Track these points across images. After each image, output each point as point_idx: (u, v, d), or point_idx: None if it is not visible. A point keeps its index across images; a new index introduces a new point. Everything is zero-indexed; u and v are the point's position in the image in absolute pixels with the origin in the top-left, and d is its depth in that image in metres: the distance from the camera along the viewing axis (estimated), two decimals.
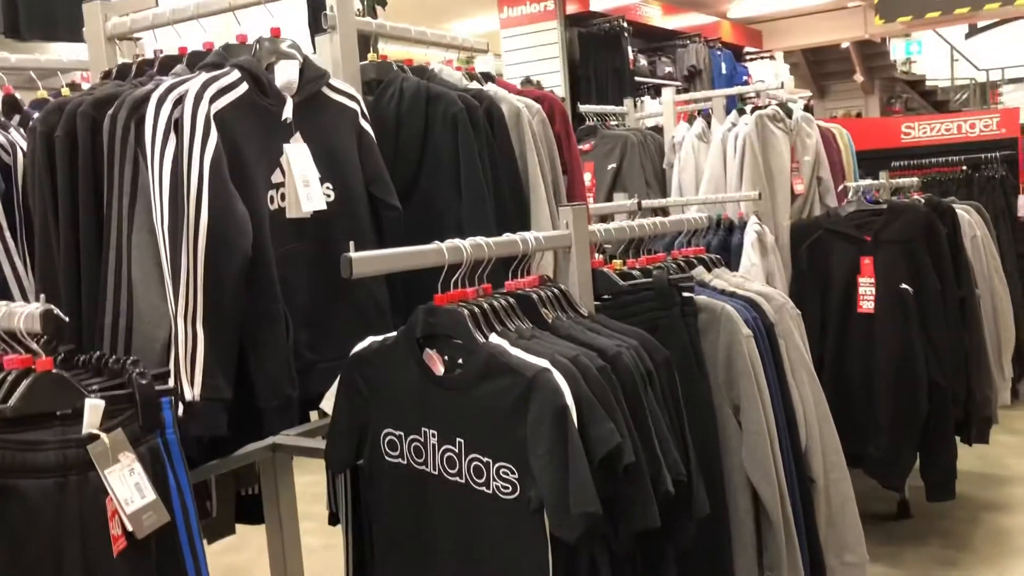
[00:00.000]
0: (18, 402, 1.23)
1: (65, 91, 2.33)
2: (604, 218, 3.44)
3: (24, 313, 1.28)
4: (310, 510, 2.56)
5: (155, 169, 1.63)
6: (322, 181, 1.85)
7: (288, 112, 1.81)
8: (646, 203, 3.08)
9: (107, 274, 1.70)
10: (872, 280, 3.52)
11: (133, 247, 1.68)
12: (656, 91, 7.57)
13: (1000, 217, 5.10)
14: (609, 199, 4.13)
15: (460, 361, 1.53)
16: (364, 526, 2.92)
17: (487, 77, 2.48)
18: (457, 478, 1.51)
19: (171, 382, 1.52)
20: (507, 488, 1.44)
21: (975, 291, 3.82)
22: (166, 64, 1.97)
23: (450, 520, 1.53)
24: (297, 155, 1.79)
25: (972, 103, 14.32)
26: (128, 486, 1.28)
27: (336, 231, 1.88)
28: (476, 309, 1.54)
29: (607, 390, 1.44)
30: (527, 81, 4.18)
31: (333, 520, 3.11)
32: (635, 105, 5.20)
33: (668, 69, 8.85)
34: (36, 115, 2.17)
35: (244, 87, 1.76)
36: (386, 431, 1.62)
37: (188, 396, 1.58)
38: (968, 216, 4.04)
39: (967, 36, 14.20)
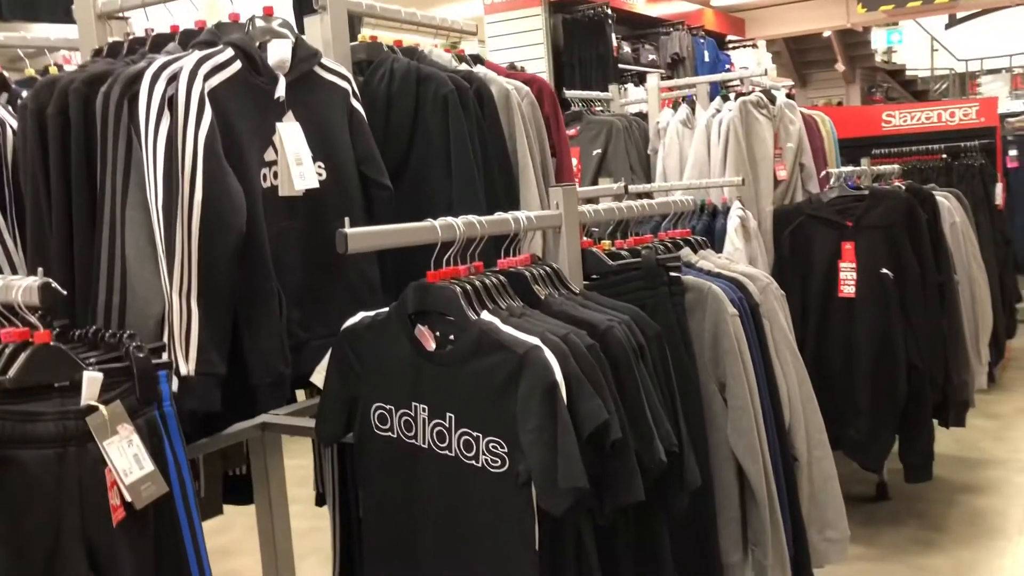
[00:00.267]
0: (17, 373, 1.24)
1: (53, 70, 2.33)
2: (590, 201, 3.46)
3: (22, 286, 1.29)
4: (296, 493, 2.58)
5: (149, 146, 1.64)
6: (314, 160, 1.86)
7: (281, 91, 1.82)
8: (632, 188, 3.10)
9: (100, 251, 1.70)
10: (853, 265, 3.57)
11: (127, 224, 1.69)
12: (640, 78, 7.59)
13: (979, 205, 5.17)
14: (594, 184, 4.16)
15: (452, 337, 1.56)
16: (351, 507, 2.95)
17: (476, 59, 2.49)
18: (447, 452, 1.54)
19: (166, 356, 1.53)
20: (496, 462, 1.47)
21: (954, 277, 3.88)
22: (158, 42, 1.97)
23: (439, 493, 1.56)
24: (290, 133, 1.80)
25: (951, 93, 14.45)
26: (127, 457, 1.30)
27: (327, 210, 1.90)
28: (468, 287, 1.56)
29: (596, 368, 1.46)
30: (511, 67, 4.19)
31: (320, 501, 3.13)
32: (620, 91, 5.23)
33: (652, 56, 8.86)
34: (25, 93, 2.17)
35: (238, 65, 1.77)
36: (377, 405, 1.64)
37: (183, 371, 1.60)
38: (948, 203, 4.10)
39: (947, 26, 14.31)
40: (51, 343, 1.30)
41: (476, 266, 1.63)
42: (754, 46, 11.37)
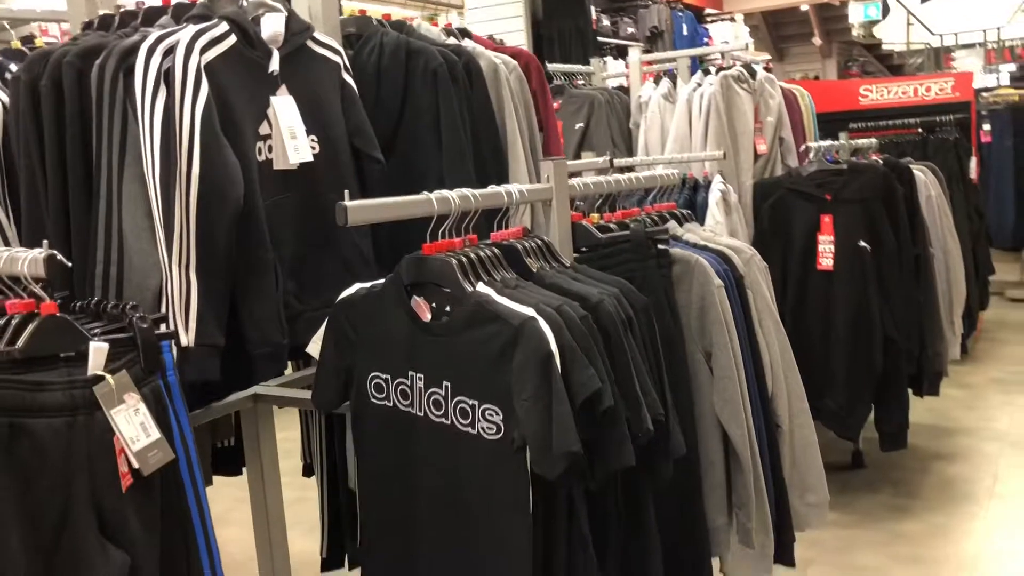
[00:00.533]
0: (26, 344, 1.27)
1: (39, 42, 2.32)
2: (573, 175, 3.49)
3: (27, 258, 1.31)
4: (281, 465, 2.61)
5: (145, 119, 1.65)
6: (307, 133, 1.88)
7: (275, 64, 1.84)
8: (617, 162, 3.13)
9: (97, 224, 1.72)
10: (832, 238, 3.62)
11: (123, 197, 1.70)
12: (619, 51, 7.60)
13: (953, 179, 5.24)
14: (577, 158, 4.18)
15: (447, 309, 1.59)
16: (339, 477, 2.98)
17: (464, 33, 2.51)
18: (443, 419, 1.58)
19: (167, 327, 1.55)
20: (491, 429, 1.51)
21: (929, 249, 3.95)
22: (150, 16, 1.98)
23: (435, 460, 1.60)
24: (284, 107, 1.82)
25: (927, 67, 14.54)
26: (133, 425, 1.32)
27: (321, 183, 1.92)
28: (464, 259, 1.59)
29: (589, 338, 1.51)
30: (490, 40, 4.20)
31: (307, 472, 3.17)
32: (601, 65, 5.24)
33: (630, 30, 8.86)
34: (12, 65, 2.17)
35: (232, 39, 1.78)
36: (373, 375, 1.67)
37: (183, 342, 1.62)
38: (924, 176, 4.16)
39: (923, 0, 14.36)
40: (57, 314, 1.32)
41: (470, 238, 1.67)
42: (732, 20, 11.39)
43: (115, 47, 1.73)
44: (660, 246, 1.92)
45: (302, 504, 3.02)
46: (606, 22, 8.59)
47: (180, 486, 1.42)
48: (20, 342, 1.27)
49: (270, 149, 1.83)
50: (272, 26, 1.84)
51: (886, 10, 14.63)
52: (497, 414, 1.49)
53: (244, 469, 2.61)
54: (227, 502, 3.60)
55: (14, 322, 1.32)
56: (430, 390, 1.59)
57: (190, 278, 1.63)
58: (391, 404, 1.65)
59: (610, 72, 5.46)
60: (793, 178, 3.76)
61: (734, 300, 2.00)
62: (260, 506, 2.46)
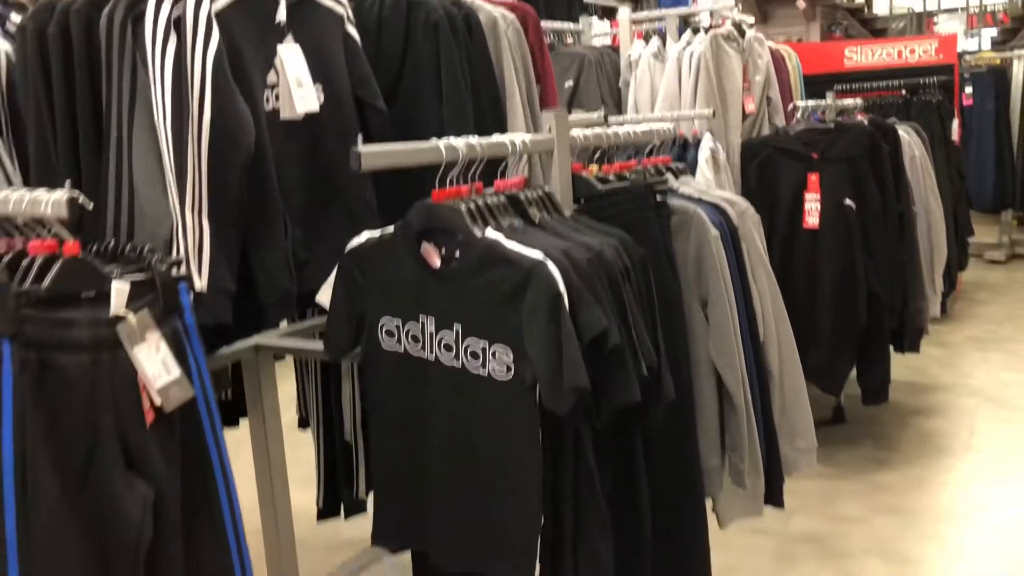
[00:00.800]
0: (51, 283, 1.30)
1: None
2: None
3: (51, 199, 1.33)
4: None
5: (156, 68, 1.67)
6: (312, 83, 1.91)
7: (282, 14, 1.85)
8: (611, 119, 3.16)
9: (108, 172, 1.74)
10: (818, 196, 3.68)
11: (134, 145, 1.72)
12: (604, 11, 7.56)
13: (935, 140, 5.30)
14: None
15: (457, 254, 1.63)
16: (335, 429, 3.03)
17: None
18: (454, 362, 1.62)
19: (182, 270, 1.59)
20: (502, 369, 1.56)
21: (912, 208, 4.02)
22: None
23: (447, 401, 1.65)
24: (291, 57, 1.84)
25: (909, 31, 14.59)
26: (155, 363, 1.36)
27: (325, 133, 1.95)
28: (472, 205, 1.63)
29: (595, 280, 1.55)
30: None
31: (303, 424, 3.21)
32: (588, 24, 5.23)
33: None
34: (14, 15, 2.17)
35: None
36: (383, 320, 1.71)
37: (196, 286, 1.65)
38: (908, 137, 4.22)
39: None
40: (80, 255, 1.35)
41: (477, 187, 1.70)
42: None
43: None
44: (660, 197, 1.96)
45: (296, 457, 3.06)
46: None
47: (199, 424, 1.46)
48: (46, 281, 1.30)
49: (277, 98, 1.85)
50: None
51: None
52: (508, 354, 1.54)
53: (241, 421, 2.66)
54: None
55: (37, 263, 1.35)
56: (441, 333, 1.63)
57: (202, 224, 1.66)
58: (402, 349, 1.69)
59: (596, 31, 5.46)
60: (780, 137, 3.81)
61: (729, 251, 2.06)
62: (262, 455, 2.50)
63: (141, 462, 1.35)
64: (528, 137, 1.84)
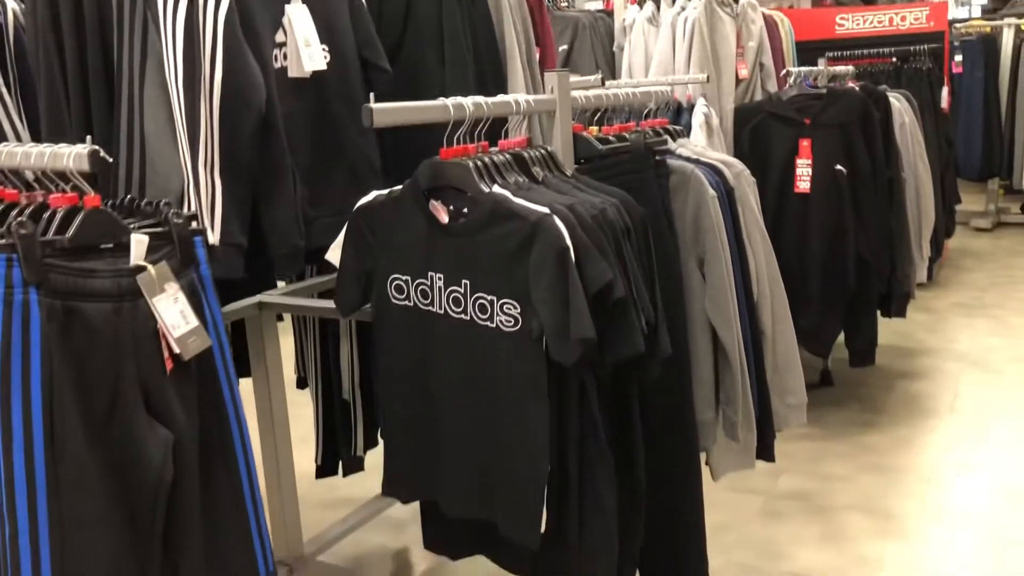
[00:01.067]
0: (75, 233, 1.34)
1: None
2: None
3: (72, 153, 1.37)
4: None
5: (168, 25, 1.69)
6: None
7: None
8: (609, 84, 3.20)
9: (119, 128, 1.77)
10: (809, 161, 3.73)
11: (145, 102, 1.75)
12: None
13: (925, 107, 5.34)
14: None
15: (465, 210, 1.67)
16: (333, 388, 3.07)
17: None
18: (462, 316, 1.67)
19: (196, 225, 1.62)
20: (510, 322, 1.61)
21: (901, 174, 4.08)
22: None
23: (456, 354, 1.69)
24: (298, 16, 1.87)
25: None
26: (174, 313, 1.41)
27: (331, 92, 1.98)
28: (479, 163, 1.67)
29: (600, 235, 1.60)
30: None
31: (301, 384, 3.26)
32: None
33: None
34: None
35: None
36: (393, 277, 1.76)
37: (209, 240, 1.69)
38: (899, 103, 4.27)
39: None
40: (101, 207, 1.39)
41: (482, 145, 1.74)
42: None
43: None
44: (659, 157, 2.00)
45: (294, 416, 3.11)
46: None
47: (214, 373, 1.50)
48: (69, 232, 1.34)
49: (285, 57, 1.88)
50: None
51: None
52: (515, 307, 1.59)
53: (240, 380, 2.70)
54: None
55: (58, 215, 1.39)
56: (450, 288, 1.67)
57: (215, 180, 1.70)
58: (411, 304, 1.74)
59: None
60: (773, 102, 3.84)
61: (725, 211, 2.10)
62: (265, 411, 2.56)
63: (161, 408, 1.40)
64: (532, 97, 1.88)
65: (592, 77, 2.96)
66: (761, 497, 3.28)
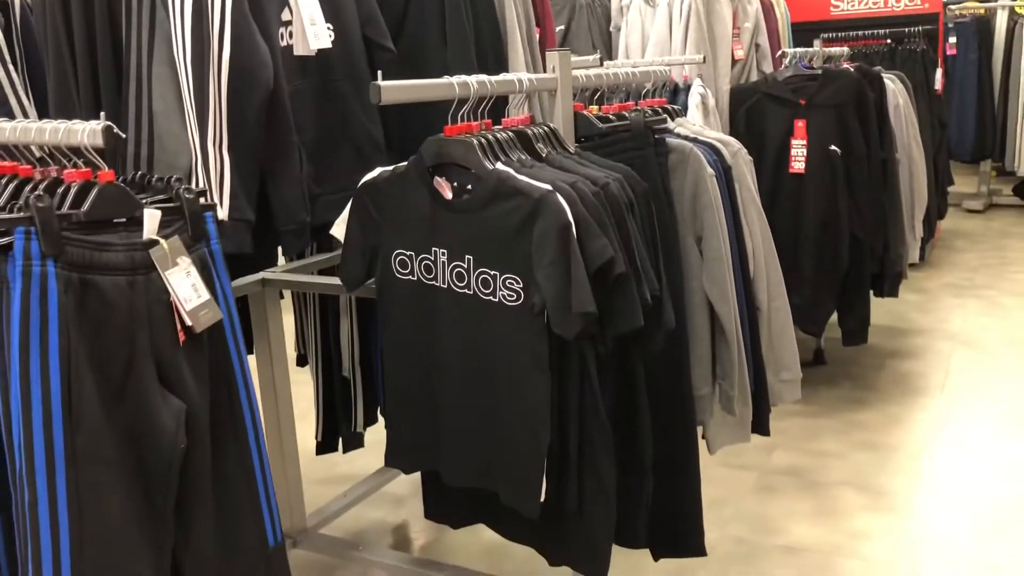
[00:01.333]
0: (90, 207, 1.37)
1: None
2: None
3: (86, 129, 1.39)
4: None
5: (176, 3, 1.71)
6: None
7: None
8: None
9: (128, 105, 1.79)
10: (804, 142, 3.76)
11: (153, 79, 1.77)
12: None
13: (918, 89, 5.38)
14: None
15: (469, 187, 1.70)
16: (333, 364, 3.11)
17: None
18: (465, 290, 1.71)
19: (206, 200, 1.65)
20: (512, 296, 1.64)
21: (895, 155, 4.11)
22: None
23: (458, 327, 1.73)
24: None
25: None
26: (186, 286, 1.44)
27: (335, 70, 2.00)
28: (483, 140, 1.70)
29: (601, 211, 1.63)
30: None
31: (301, 362, 3.29)
32: None
33: None
34: None
35: None
36: (397, 252, 1.79)
37: (219, 216, 1.72)
38: (893, 85, 4.29)
39: None
40: (114, 182, 1.41)
41: (486, 123, 1.77)
42: None
43: None
44: (658, 135, 2.03)
45: (293, 394, 3.15)
46: None
47: (225, 346, 1.53)
48: (85, 206, 1.36)
49: (290, 36, 1.90)
50: None
51: None
52: (517, 282, 1.62)
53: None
54: None
55: (73, 190, 1.41)
56: (453, 263, 1.71)
57: (223, 156, 1.72)
58: (415, 279, 1.77)
59: None
60: (769, 83, 3.87)
61: (723, 189, 2.14)
62: (268, 387, 2.59)
63: (173, 379, 1.43)
64: (534, 76, 1.90)
65: (591, 57, 2.98)
66: (755, 473, 3.33)
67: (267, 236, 1.88)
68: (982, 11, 7.40)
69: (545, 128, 1.86)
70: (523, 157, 1.74)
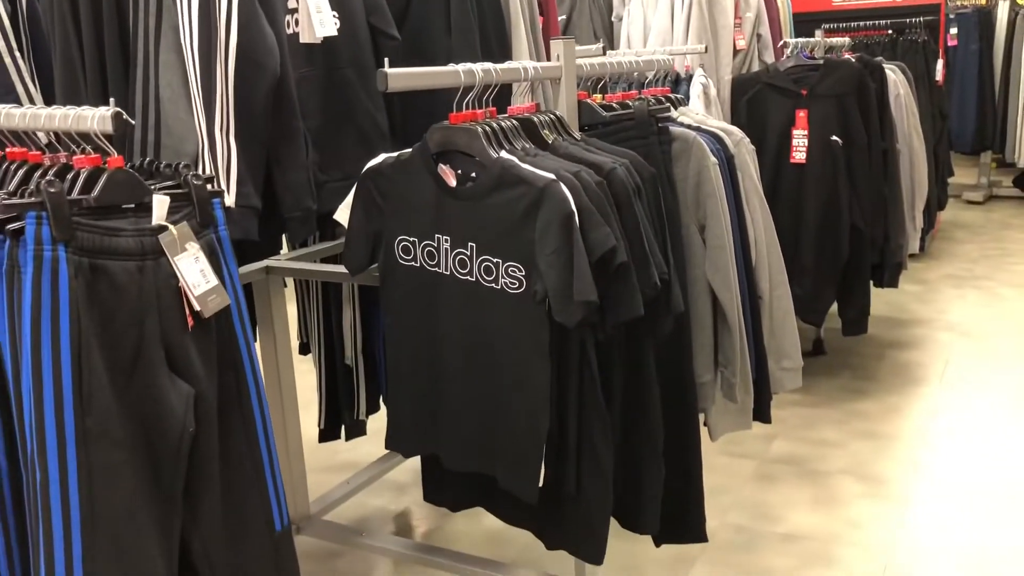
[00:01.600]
0: (99, 193, 1.38)
1: None
2: None
3: (96, 115, 1.40)
4: None
5: None
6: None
7: None
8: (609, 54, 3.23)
9: (135, 92, 1.80)
10: (805, 132, 3.77)
11: (160, 66, 1.78)
12: None
13: (919, 80, 5.38)
14: None
15: (473, 175, 1.72)
16: (336, 352, 3.12)
17: None
18: (468, 277, 1.72)
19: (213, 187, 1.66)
20: (514, 284, 1.66)
21: (896, 146, 4.12)
22: None
23: (460, 314, 1.74)
24: None
25: None
26: (195, 272, 1.45)
27: (340, 58, 2.01)
28: (488, 128, 1.71)
29: (604, 201, 1.65)
30: None
31: (303, 350, 3.31)
32: None
33: None
34: None
35: None
36: (400, 238, 1.80)
37: (226, 202, 1.73)
38: (894, 75, 4.30)
39: None
40: (124, 168, 1.42)
41: (490, 111, 1.78)
42: None
43: None
44: (662, 124, 2.05)
45: (296, 382, 3.16)
46: None
47: (232, 331, 1.55)
48: (95, 192, 1.38)
49: (296, 23, 1.91)
50: None
51: None
52: (520, 270, 1.64)
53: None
54: None
55: (82, 175, 1.42)
56: (456, 250, 1.72)
57: (230, 143, 1.73)
58: (418, 265, 1.79)
59: None
60: (771, 73, 3.87)
61: (725, 177, 2.15)
62: (272, 375, 2.60)
63: (182, 363, 1.44)
64: (540, 64, 1.91)
65: (594, 46, 2.99)
66: (755, 461, 3.35)
67: (272, 224, 1.89)
68: (983, 2, 7.39)
69: (551, 115, 1.87)
70: (527, 145, 1.75)
